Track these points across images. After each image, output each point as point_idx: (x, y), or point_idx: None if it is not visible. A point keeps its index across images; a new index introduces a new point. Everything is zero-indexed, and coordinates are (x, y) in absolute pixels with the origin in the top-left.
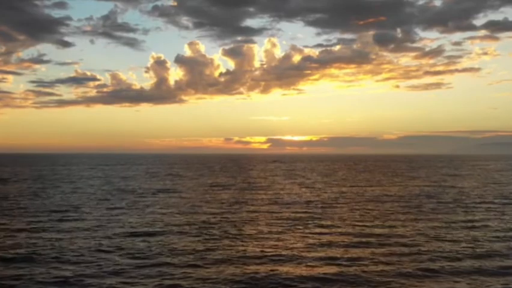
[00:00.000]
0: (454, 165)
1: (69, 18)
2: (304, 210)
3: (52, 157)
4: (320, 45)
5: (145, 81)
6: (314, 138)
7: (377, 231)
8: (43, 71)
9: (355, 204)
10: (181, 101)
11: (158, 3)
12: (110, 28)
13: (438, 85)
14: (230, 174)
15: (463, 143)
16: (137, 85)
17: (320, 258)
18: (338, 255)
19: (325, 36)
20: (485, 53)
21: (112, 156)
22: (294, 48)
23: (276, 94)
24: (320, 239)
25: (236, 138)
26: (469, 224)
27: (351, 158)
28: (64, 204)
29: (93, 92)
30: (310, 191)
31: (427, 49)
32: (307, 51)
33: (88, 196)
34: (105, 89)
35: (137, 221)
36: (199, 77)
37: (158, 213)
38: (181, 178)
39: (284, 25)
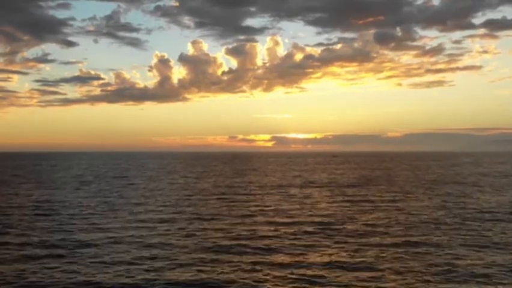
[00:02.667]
0: (480, 164)
1: (73, 18)
2: (315, 241)
3: (52, 155)
4: (321, 44)
5: (148, 79)
6: (319, 136)
7: None
8: (48, 70)
9: (390, 229)
10: (185, 99)
11: (161, 3)
12: (113, 28)
13: (440, 83)
14: (234, 175)
15: (468, 140)
16: (141, 84)
17: None
18: None
19: (326, 35)
20: (486, 51)
21: (113, 155)
22: (295, 46)
23: (279, 92)
24: None
25: (240, 136)
26: None
27: (360, 155)
28: None
29: (97, 91)
30: (324, 205)
31: (427, 47)
32: (308, 49)
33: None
34: (109, 88)
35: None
36: (202, 76)
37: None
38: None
39: (285, 24)
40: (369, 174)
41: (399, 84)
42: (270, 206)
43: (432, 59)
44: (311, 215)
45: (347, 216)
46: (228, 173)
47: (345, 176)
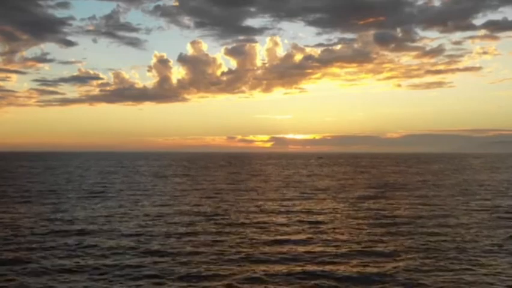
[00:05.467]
0: (493, 167)
1: (72, 18)
2: None
3: (49, 156)
4: (320, 44)
5: (147, 80)
6: (317, 137)
7: None
8: (47, 70)
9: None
10: (184, 99)
11: (160, 3)
12: (112, 28)
13: (440, 84)
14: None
15: (466, 141)
16: (140, 84)
17: None
18: None
19: (325, 36)
20: (486, 52)
21: (111, 155)
22: (295, 47)
23: (278, 93)
24: None
25: (239, 137)
26: None
27: (361, 157)
28: None
29: (96, 91)
30: (346, 230)
31: (428, 48)
32: (308, 50)
33: None
34: (108, 88)
35: None
36: (201, 76)
37: None
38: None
39: (285, 25)
40: (380, 180)
41: (399, 85)
42: (274, 234)
43: (432, 60)
44: (337, 256)
45: (386, 256)
46: (223, 178)
47: (354, 182)
